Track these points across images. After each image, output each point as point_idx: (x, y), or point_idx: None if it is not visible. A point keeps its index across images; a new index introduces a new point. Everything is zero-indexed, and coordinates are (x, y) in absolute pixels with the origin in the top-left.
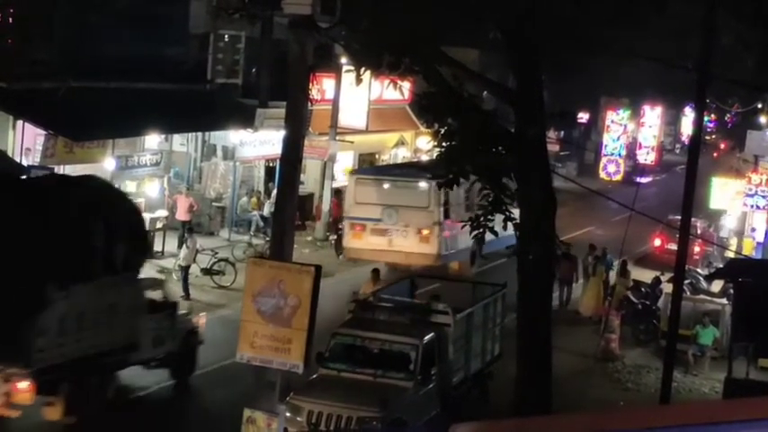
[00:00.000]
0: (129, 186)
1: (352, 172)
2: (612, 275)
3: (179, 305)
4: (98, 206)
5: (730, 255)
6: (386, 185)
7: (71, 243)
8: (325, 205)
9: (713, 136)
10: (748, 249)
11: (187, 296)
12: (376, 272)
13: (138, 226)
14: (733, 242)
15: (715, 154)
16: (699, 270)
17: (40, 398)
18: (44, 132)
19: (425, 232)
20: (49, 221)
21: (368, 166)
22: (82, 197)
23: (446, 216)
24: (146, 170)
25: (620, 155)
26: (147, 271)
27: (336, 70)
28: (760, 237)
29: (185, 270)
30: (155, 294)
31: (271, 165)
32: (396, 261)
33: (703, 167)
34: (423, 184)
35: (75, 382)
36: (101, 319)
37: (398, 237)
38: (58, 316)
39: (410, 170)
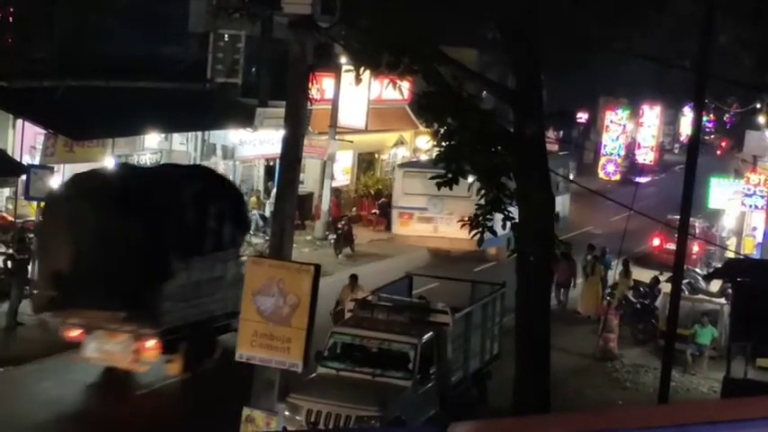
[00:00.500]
0: None
1: (400, 165)
2: (611, 275)
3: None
4: (209, 193)
5: (731, 255)
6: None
7: (190, 224)
8: (325, 204)
9: (712, 136)
10: (749, 248)
11: None
12: (354, 277)
13: (241, 209)
14: (731, 241)
15: (718, 152)
16: (697, 270)
17: (163, 356)
18: (44, 131)
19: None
20: (172, 206)
21: (414, 160)
22: (197, 185)
23: None
24: None
25: (618, 155)
26: None
27: (336, 70)
28: (759, 237)
29: None
30: None
31: (270, 164)
32: (440, 246)
33: (707, 165)
34: None
35: (192, 342)
36: (211, 289)
37: (443, 224)
38: (179, 285)
39: None
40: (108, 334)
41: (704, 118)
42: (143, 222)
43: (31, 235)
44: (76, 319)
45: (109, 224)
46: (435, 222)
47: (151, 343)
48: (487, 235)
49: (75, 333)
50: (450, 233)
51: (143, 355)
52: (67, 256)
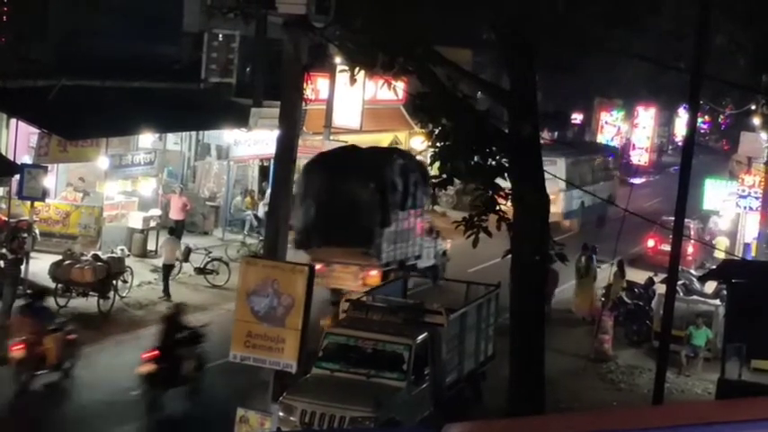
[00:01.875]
0: (121, 185)
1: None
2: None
3: (440, 233)
4: (408, 167)
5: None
6: None
7: (399, 188)
8: None
9: (707, 137)
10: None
11: (167, 297)
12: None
13: (426, 177)
14: (719, 240)
15: (726, 148)
16: (692, 271)
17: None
18: (38, 131)
19: (553, 196)
20: (391, 175)
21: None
22: (401, 161)
23: (568, 185)
24: (139, 169)
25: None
26: (140, 270)
27: (331, 70)
28: (748, 237)
29: (167, 269)
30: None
31: (265, 164)
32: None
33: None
34: (552, 159)
35: (396, 274)
36: (406, 237)
37: None
38: (392, 231)
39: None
40: (342, 267)
41: (699, 119)
42: (374, 185)
43: (25, 234)
44: (323, 255)
45: (352, 186)
46: None
47: (374, 272)
48: (568, 207)
49: (318, 266)
50: None
51: (367, 280)
52: (321, 209)
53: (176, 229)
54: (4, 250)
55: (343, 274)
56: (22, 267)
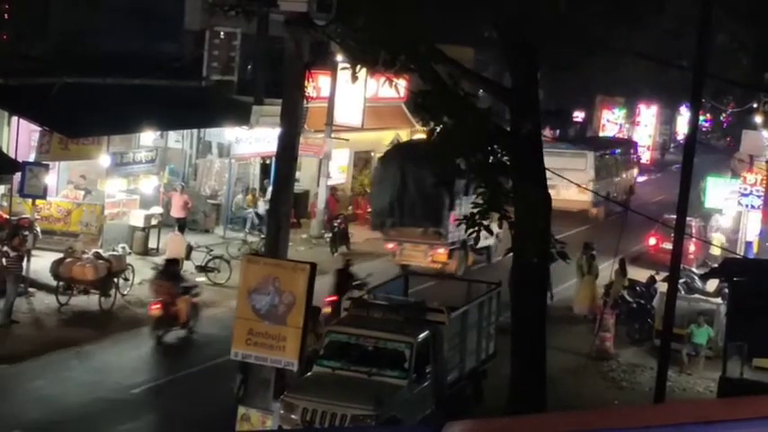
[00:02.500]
0: (123, 183)
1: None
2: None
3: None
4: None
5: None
6: (557, 154)
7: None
8: (321, 203)
9: (708, 135)
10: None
11: None
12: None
13: None
14: (716, 236)
15: (731, 144)
16: (694, 269)
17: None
18: (39, 129)
19: (583, 186)
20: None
21: (582, 137)
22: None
23: (597, 176)
24: (141, 167)
25: None
26: (141, 268)
27: (332, 68)
28: (750, 236)
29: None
30: None
31: (266, 162)
32: (562, 206)
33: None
34: (582, 153)
35: (459, 253)
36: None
37: (564, 189)
38: (456, 213)
39: (571, 144)
40: (413, 246)
41: (701, 117)
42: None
43: (26, 232)
44: (397, 235)
45: (423, 174)
46: (558, 188)
47: (441, 250)
48: (596, 196)
49: (391, 245)
50: (569, 196)
51: (435, 257)
52: (397, 195)
53: (180, 227)
54: (5, 248)
55: (414, 252)
56: (24, 265)
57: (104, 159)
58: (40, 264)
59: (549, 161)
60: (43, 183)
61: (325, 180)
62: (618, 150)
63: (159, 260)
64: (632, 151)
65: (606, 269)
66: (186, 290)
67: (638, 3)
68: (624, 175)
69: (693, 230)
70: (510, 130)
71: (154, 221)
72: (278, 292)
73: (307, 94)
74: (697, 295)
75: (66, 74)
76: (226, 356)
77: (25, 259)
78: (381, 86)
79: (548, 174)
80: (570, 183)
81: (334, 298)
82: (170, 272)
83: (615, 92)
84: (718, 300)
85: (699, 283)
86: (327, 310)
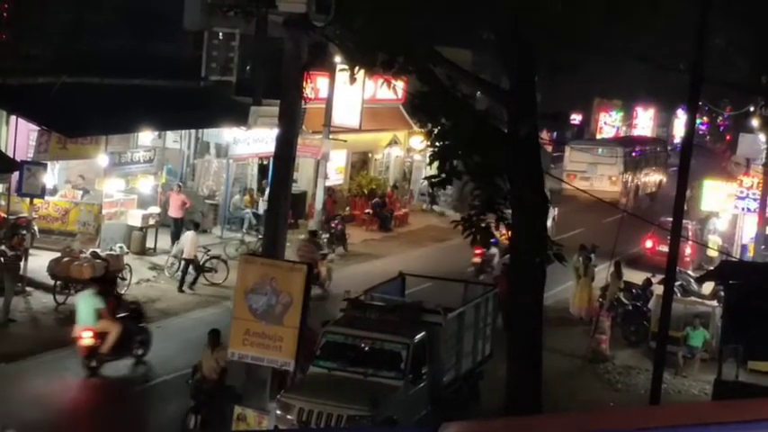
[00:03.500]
0: (121, 183)
1: (566, 143)
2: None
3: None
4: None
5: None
6: (591, 150)
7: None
8: (318, 204)
9: (706, 138)
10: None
11: (181, 288)
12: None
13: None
14: (711, 239)
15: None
16: (690, 272)
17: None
18: (38, 128)
19: (614, 179)
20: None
21: (578, 139)
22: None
23: (625, 170)
24: (139, 167)
25: None
26: (138, 267)
27: (330, 69)
28: (746, 239)
29: (189, 264)
30: None
31: (264, 163)
32: (596, 197)
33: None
34: (614, 149)
35: None
36: None
37: (596, 181)
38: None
39: (602, 142)
40: None
41: (698, 120)
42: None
43: (24, 231)
44: None
45: None
46: (591, 180)
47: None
48: (627, 190)
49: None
50: (602, 187)
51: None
52: None
53: (177, 227)
54: (3, 247)
55: None
56: (22, 264)
57: (102, 159)
58: (38, 263)
59: (584, 156)
60: (41, 182)
61: (322, 181)
62: (647, 148)
63: (156, 260)
64: (661, 149)
65: (602, 271)
66: (324, 256)
67: (635, 4)
68: (653, 170)
69: (690, 233)
70: (507, 133)
71: (151, 221)
72: (275, 292)
73: (305, 95)
74: (693, 298)
75: (66, 73)
76: None
77: (23, 258)
78: (379, 88)
79: (584, 167)
80: (603, 176)
81: None
82: (314, 240)
83: (612, 94)
84: (714, 302)
85: (694, 286)
86: None
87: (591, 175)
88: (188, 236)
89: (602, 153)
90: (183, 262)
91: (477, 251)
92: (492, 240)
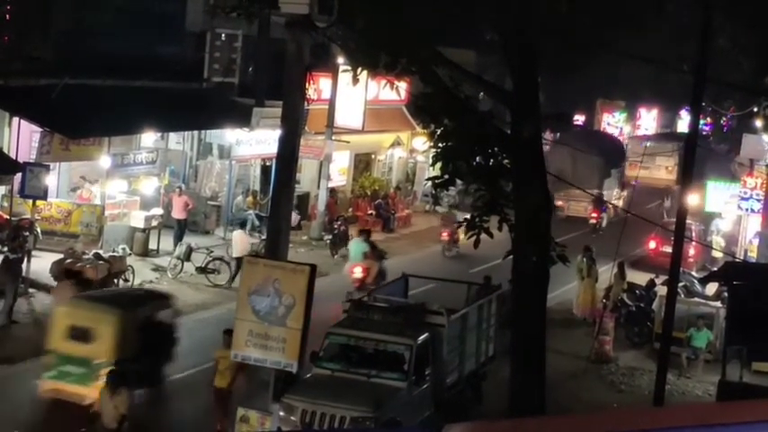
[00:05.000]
0: (124, 184)
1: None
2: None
3: None
4: (616, 143)
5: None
6: (651, 140)
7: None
8: (321, 205)
9: (710, 139)
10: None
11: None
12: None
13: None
14: (715, 239)
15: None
16: (693, 273)
17: None
18: (40, 129)
19: (670, 168)
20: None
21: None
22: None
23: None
24: (141, 168)
25: None
26: (141, 269)
27: (333, 70)
28: (749, 240)
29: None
30: None
31: (267, 164)
32: (653, 183)
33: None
34: (671, 141)
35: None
36: (613, 184)
37: (655, 170)
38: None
39: (659, 136)
40: (576, 202)
41: (701, 121)
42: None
43: (26, 233)
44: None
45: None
46: (651, 170)
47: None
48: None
49: (560, 203)
50: (659, 175)
51: (590, 212)
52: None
53: (180, 228)
54: (5, 248)
55: (578, 207)
56: (24, 266)
57: (105, 160)
58: (41, 264)
59: (642, 148)
60: (44, 183)
61: (325, 182)
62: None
63: (159, 261)
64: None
65: (606, 272)
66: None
67: (639, 5)
68: None
69: (693, 234)
70: (510, 133)
71: (154, 223)
72: (278, 293)
73: (307, 97)
74: (696, 299)
75: (68, 75)
76: None
77: (25, 260)
78: (382, 89)
79: (643, 157)
80: (660, 166)
81: None
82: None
83: (616, 95)
84: (718, 303)
85: (698, 287)
86: None
87: (650, 165)
88: (237, 235)
89: (661, 145)
90: (234, 261)
91: (445, 233)
92: None
